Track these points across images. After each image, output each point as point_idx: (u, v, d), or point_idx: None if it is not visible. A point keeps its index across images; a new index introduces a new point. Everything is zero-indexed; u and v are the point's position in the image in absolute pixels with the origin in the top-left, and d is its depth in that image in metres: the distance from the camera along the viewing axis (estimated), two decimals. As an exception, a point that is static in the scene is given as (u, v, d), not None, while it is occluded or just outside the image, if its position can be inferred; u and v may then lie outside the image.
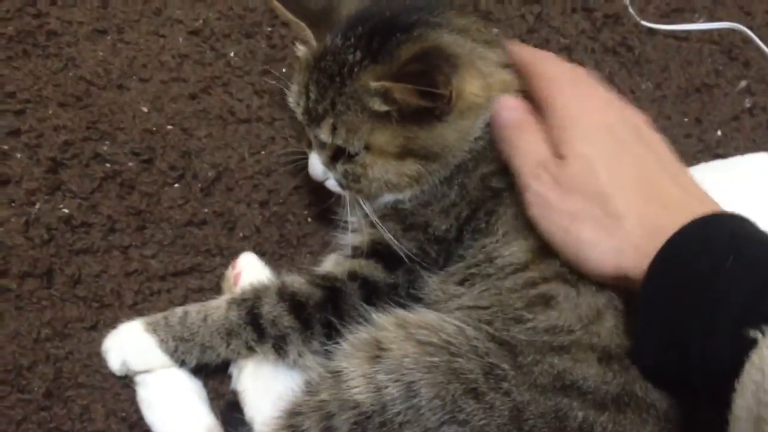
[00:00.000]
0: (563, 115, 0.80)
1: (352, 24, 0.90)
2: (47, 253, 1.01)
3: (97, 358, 0.95)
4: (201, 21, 1.23)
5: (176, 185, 1.08)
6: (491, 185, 0.89)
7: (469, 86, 0.87)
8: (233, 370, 0.92)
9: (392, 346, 0.77)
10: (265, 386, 0.88)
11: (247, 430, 0.87)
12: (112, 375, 0.94)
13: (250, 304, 0.88)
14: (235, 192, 1.08)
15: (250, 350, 0.87)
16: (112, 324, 0.96)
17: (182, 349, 0.88)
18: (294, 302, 0.87)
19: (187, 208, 1.06)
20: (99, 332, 0.96)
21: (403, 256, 0.87)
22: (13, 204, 1.04)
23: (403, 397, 0.74)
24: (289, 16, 0.92)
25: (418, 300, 0.87)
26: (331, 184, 0.94)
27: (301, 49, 0.95)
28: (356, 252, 0.92)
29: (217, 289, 1.01)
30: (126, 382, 0.93)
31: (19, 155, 1.07)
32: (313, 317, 0.86)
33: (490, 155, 0.89)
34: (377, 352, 0.77)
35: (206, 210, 1.06)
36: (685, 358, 0.68)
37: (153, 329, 0.89)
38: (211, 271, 1.02)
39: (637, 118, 0.83)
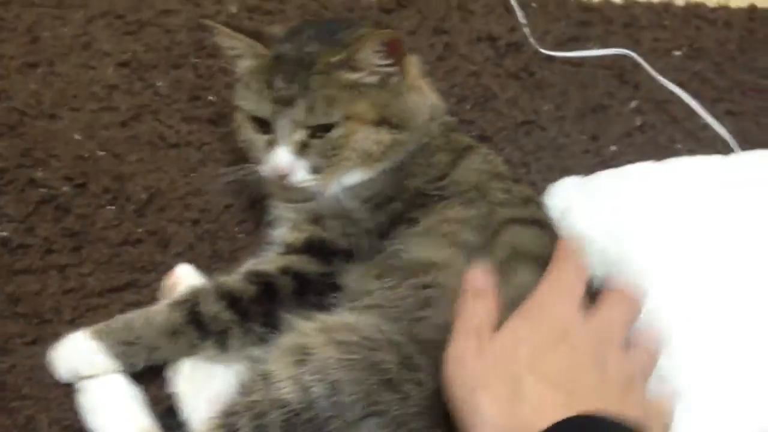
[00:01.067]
0: (528, 303, 0.81)
1: (297, 31, 1.02)
2: (-14, 274, 1.05)
3: (39, 371, 0.98)
4: (129, 53, 1.29)
5: (110, 207, 1.13)
6: (426, 192, 0.99)
7: (411, 68, 1.01)
8: (169, 373, 0.96)
9: (315, 350, 0.83)
10: (200, 387, 0.93)
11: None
12: (56, 386, 0.97)
13: (190, 305, 0.93)
14: (168, 212, 1.13)
15: (195, 348, 0.93)
16: (53, 338, 1.00)
17: (129, 353, 0.93)
18: (231, 298, 0.93)
19: (122, 229, 1.11)
20: (40, 346, 0.99)
21: (341, 250, 0.96)
22: (-49, 228, 1.07)
23: (327, 394, 0.80)
24: (237, 35, 1.01)
25: (336, 290, 0.94)
26: (300, 174, 0.99)
27: (245, 63, 1.03)
28: (289, 249, 0.99)
29: (153, 303, 1.04)
30: (68, 392, 0.97)
31: (-45, 184, 1.11)
32: (251, 309, 0.92)
33: (425, 168, 1.01)
34: (302, 356, 0.83)
35: (140, 230, 1.11)
36: None
37: (99, 336, 0.93)
38: (147, 286, 1.07)
39: (605, 337, 0.79)
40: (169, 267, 1.08)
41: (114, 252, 1.09)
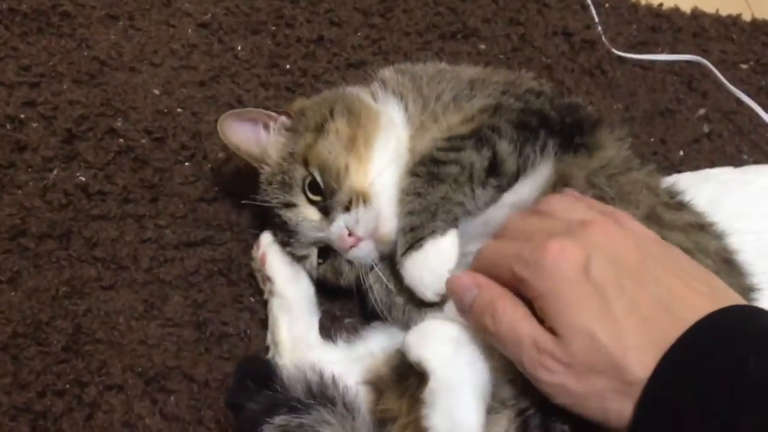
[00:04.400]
0: (541, 286, 0.68)
1: None
2: (65, 216, 1.05)
3: (115, 316, 0.99)
4: (209, 15, 1.30)
5: (187, 164, 1.13)
6: None
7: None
8: (272, 348, 0.99)
9: None
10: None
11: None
12: (130, 332, 0.98)
13: None
14: (244, 174, 1.13)
15: None
16: (130, 285, 1.01)
17: None
18: None
19: (198, 186, 1.11)
20: (117, 292, 1.01)
21: None
22: (30, 169, 1.08)
23: None
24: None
25: None
26: None
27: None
28: None
29: (228, 261, 1.06)
30: (142, 339, 0.98)
31: (35, 124, 1.11)
32: None
33: None
34: None
35: (216, 188, 1.12)
36: None
37: None
38: (222, 245, 1.07)
39: (605, 239, 0.70)
40: (243, 228, 1.09)
41: (190, 207, 1.09)
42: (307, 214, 0.96)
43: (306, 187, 0.96)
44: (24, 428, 0.91)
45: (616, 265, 0.66)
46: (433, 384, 0.78)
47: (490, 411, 0.76)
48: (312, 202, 0.96)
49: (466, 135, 0.92)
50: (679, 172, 1.24)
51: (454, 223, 0.88)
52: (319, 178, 0.94)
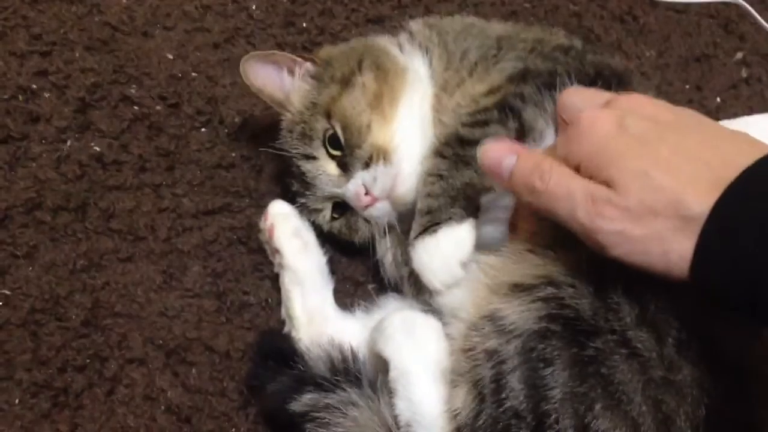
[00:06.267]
0: (583, 150, 0.69)
1: None
2: (80, 188, 1.03)
3: (133, 288, 0.97)
4: (222, -26, 1.26)
5: (203, 129, 1.10)
6: None
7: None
8: (288, 322, 0.97)
9: None
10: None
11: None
12: (149, 304, 0.96)
13: None
14: (261, 138, 1.10)
15: None
16: (148, 256, 0.99)
17: None
18: None
19: (215, 152, 1.09)
20: (134, 264, 0.99)
21: None
22: (43, 141, 1.05)
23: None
24: None
25: None
26: None
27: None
28: None
29: (248, 228, 1.04)
30: (162, 311, 0.96)
31: (47, 94, 1.09)
32: None
33: None
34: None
35: (234, 154, 1.09)
36: (755, 292, 0.60)
37: None
38: (241, 212, 1.05)
39: (635, 103, 0.72)
40: (262, 194, 1.06)
41: (207, 174, 1.07)
42: (326, 168, 0.95)
43: (326, 141, 0.94)
44: (45, 405, 0.90)
45: (652, 121, 0.68)
46: (392, 372, 0.81)
47: (452, 384, 0.77)
48: (332, 157, 0.94)
49: (491, 107, 0.89)
50: (716, 120, 1.19)
51: (474, 212, 0.85)
52: (340, 133, 0.93)
